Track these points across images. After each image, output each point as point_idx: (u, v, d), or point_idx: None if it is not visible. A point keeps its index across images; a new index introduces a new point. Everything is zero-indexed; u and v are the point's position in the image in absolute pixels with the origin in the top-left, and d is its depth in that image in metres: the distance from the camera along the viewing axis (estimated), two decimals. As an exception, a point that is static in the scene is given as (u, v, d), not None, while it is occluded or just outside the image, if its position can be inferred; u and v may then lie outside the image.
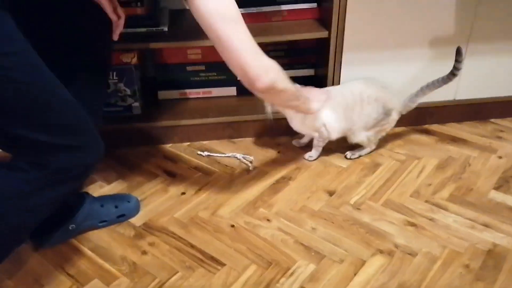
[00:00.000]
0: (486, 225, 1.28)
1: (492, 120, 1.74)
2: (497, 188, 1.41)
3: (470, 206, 1.35)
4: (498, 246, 1.21)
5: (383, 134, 1.53)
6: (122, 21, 1.19)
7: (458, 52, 1.41)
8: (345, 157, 1.55)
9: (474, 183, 1.43)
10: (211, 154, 1.58)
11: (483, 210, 1.33)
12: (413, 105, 1.51)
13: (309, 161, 1.55)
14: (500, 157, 1.55)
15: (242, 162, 1.54)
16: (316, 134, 1.50)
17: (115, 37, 1.18)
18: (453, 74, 1.44)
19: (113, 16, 1.16)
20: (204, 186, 1.45)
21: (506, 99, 1.70)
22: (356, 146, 1.55)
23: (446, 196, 1.38)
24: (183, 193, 1.42)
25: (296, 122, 1.49)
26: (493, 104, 1.70)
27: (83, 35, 1.14)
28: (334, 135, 1.50)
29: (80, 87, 1.11)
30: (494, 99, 1.69)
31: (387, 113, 1.47)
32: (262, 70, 1.07)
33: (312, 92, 1.39)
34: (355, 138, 1.51)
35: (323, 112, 1.44)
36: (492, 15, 1.52)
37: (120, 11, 1.18)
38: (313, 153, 1.55)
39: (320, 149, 1.54)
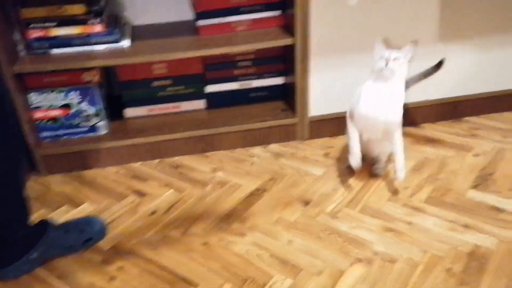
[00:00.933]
0: (466, 226, 1.24)
1: (467, 118, 1.72)
2: (476, 186, 1.38)
3: (449, 207, 1.31)
4: (481, 247, 1.17)
5: None
6: None
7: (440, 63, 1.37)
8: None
9: (452, 183, 1.40)
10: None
11: (462, 211, 1.30)
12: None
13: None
14: (476, 155, 1.52)
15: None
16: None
17: None
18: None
19: None
20: (175, 204, 1.39)
21: (479, 96, 1.68)
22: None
23: (424, 198, 1.35)
24: (154, 212, 1.36)
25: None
26: (466, 102, 1.69)
27: None
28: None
29: None
30: (467, 97, 1.68)
31: None
32: None
33: None
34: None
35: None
36: (461, 11, 1.52)
37: None
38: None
39: None
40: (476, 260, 1.14)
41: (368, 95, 1.27)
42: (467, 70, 1.63)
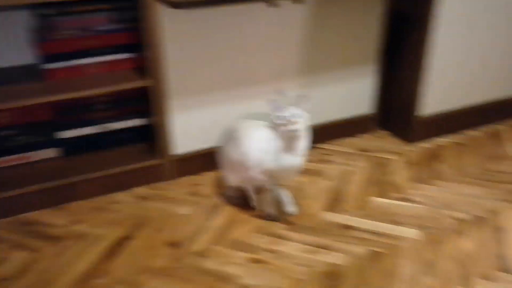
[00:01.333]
0: (323, 247, 1.34)
1: (319, 145, 1.88)
2: (329, 208, 1.51)
3: (308, 230, 1.41)
4: (336, 265, 1.28)
5: None
6: None
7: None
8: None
9: (309, 207, 1.51)
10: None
11: (319, 232, 1.40)
12: None
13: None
14: (327, 179, 1.67)
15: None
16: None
17: None
18: None
19: None
20: (30, 266, 1.27)
21: (328, 124, 1.86)
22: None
23: (285, 225, 1.43)
24: (3, 280, 1.22)
25: None
26: (317, 130, 1.84)
27: None
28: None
29: None
30: (317, 126, 1.84)
31: None
32: None
33: None
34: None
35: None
36: (313, 53, 1.67)
37: None
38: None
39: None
40: (332, 278, 1.23)
41: (283, 150, 1.30)
42: (315, 101, 1.79)
